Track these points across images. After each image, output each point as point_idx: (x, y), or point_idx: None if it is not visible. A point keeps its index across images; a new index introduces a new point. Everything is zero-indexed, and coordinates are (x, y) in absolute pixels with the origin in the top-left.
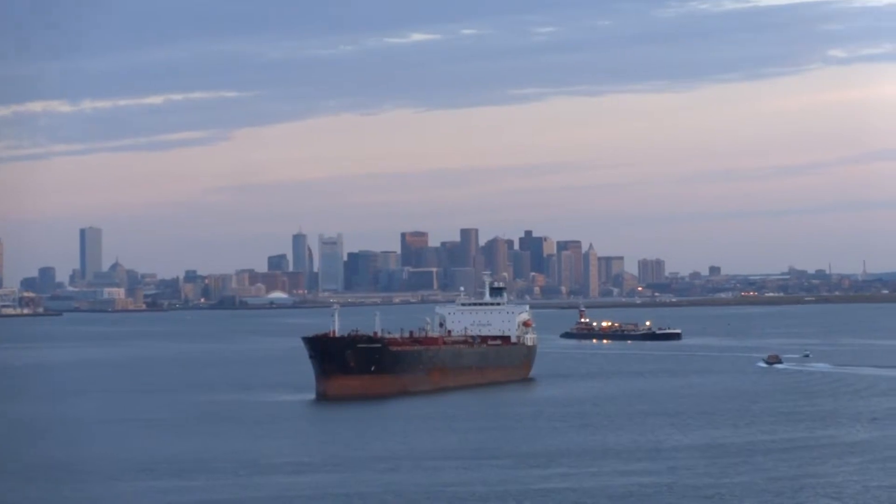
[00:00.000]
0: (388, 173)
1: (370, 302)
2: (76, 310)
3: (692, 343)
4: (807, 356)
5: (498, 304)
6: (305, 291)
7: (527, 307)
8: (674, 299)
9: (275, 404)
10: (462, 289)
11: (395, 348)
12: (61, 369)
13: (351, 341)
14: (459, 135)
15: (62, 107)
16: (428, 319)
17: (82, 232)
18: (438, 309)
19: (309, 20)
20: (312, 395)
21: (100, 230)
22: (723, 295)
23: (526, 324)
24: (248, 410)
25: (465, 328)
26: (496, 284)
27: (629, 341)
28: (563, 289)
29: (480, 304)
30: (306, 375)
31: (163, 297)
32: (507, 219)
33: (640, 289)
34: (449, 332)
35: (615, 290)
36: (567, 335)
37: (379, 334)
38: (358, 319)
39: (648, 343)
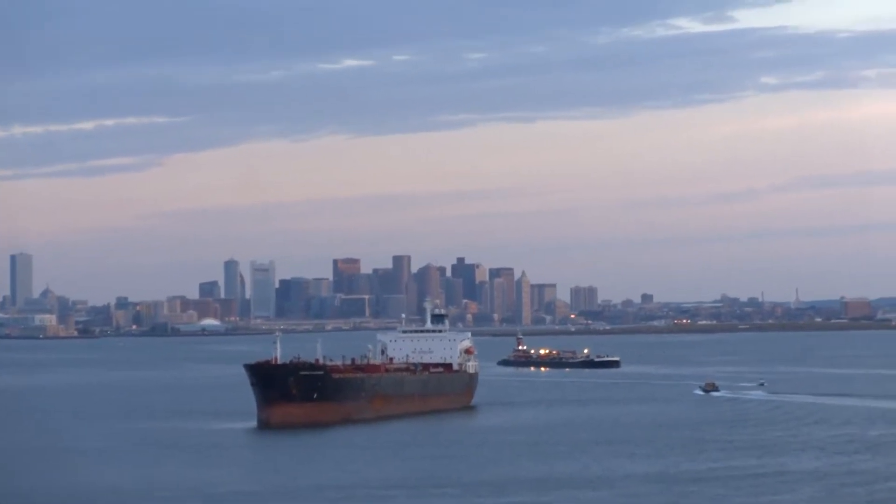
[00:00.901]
0: (320, 199)
1: (302, 329)
2: (7, 336)
3: (631, 371)
4: (762, 385)
5: (439, 331)
6: (237, 318)
7: (468, 334)
8: (608, 327)
9: (217, 432)
10: (403, 316)
11: (337, 376)
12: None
13: (293, 368)
14: (392, 161)
15: None
16: (370, 346)
17: (13, 258)
18: (380, 336)
19: (241, 45)
20: (254, 423)
21: (30, 256)
22: (656, 323)
23: (468, 351)
24: (190, 438)
25: (407, 355)
26: (437, 311)
27: (567, 369)
28: (496, 316)
29: (422, 332)
30: (247, 403)
31: (94, 324)
32: (440, 246)
33: (572, 316)
34: (391, 359)
35: (548, 318)
36: (505, 362)
37: (321, 361)
38: (295, 346)
39: (587, 371)
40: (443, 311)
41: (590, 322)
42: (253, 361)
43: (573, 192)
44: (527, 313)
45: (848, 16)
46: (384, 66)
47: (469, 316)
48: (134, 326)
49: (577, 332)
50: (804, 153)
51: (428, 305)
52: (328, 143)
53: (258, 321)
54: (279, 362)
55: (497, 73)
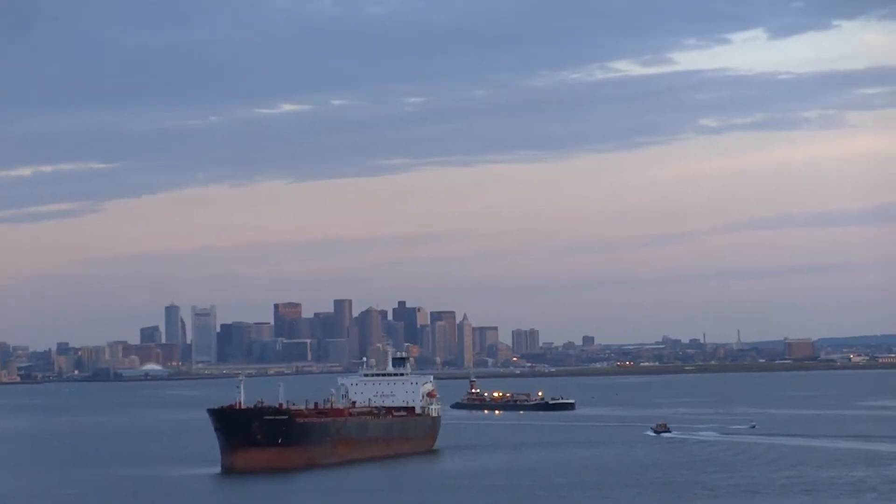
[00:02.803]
0: (259, 244)
1: (245, 373)
2: None
3: (586, 413)
4: (753, 427)
5: (402, 374)
6: (179, 363)
7: (431, 378)
8: (552, 369)
9: (180, 478)
10: (364, 359)
11: (301, 420)
12: None
13: (257, 413)
14: (331, 206)
15: None
16: (333, 390)
17: None
18: (341, 379)
19: (177, 91)
20: (218, 469)
21: None
22: (598, 365)
23: (430, 394)
24: (154, 485)
25: (369, 399)
26: (398, 355)
27: (522, 412)
28: (438, 359)
29: (384, 375)
30: (206, 447)
31: (36, 370)
32: (381, 289)
33: (515, 359)
34: (353, 402)
35: (490, 361)
36: (458, 405)
37: (284, 405)
38: (235, 391)
39: (541, 413)
40: (404, 355)
41: (534, 365)
42: (216, 406)
43: (513, 235)
44: (469, 356)
45: (787, 59)
46: (322, 110)
47: (411, 359)
48: (76, 372)
49: (523, 375)
50: (742, 195)
51: (389, 349)
52: (266, 188)
53: (200, 366)
54: (243, 407)
55: (436, 118)
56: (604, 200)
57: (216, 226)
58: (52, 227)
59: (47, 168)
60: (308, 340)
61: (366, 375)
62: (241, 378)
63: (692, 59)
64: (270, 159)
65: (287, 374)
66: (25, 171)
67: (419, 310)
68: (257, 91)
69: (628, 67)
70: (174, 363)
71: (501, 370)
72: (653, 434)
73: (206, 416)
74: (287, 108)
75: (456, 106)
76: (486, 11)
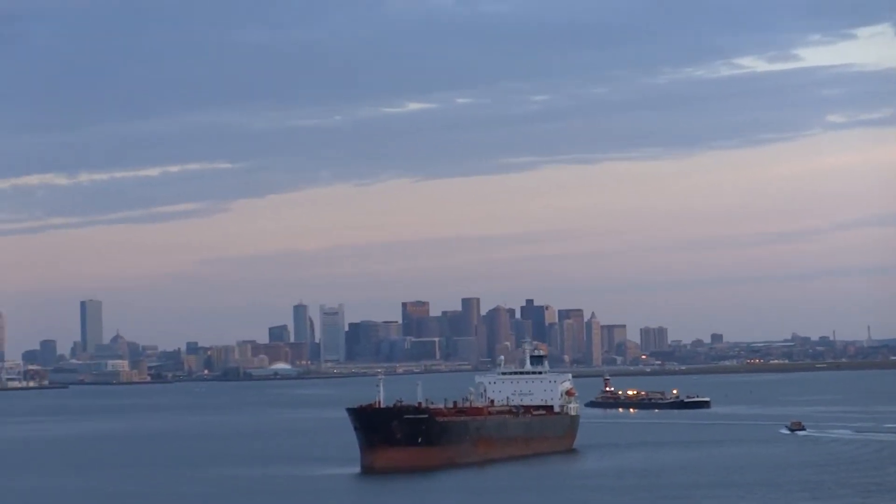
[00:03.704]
0: (386, 243)
1: (374, 372)
2: (80, 382)
3: (721, 411)
4: None
5: (539, 372)
6: (308, 362)
7: (569, 376)
8: (682, 367)
9: (321, 478)
10: (502, 357)
11: (441, 419)
12: (87, 442)
13: (397, 412)
14: (456, 204)
15: (59, 179)
16: (472, 389)
17: (83, 304)
18: (479, 378)
19: (304, 90)
20: (357, 468)
21: (100, 302)
22: (727, 363)
23: (569, 393)
24: (295, 485)
25: (507, 397)
26: (536, 353)
27: (657, 410)
28: (566, 357)
29: (522, 373)
30: (344, 447)
31: (166, 369)
32: (508, 287)
33: (643, 357)
34: (491, 401)
35: (618, 359)
36: (593, 404)
37: (423, 404)
38: (364, 390)
39: (676, 412)
40: (542, 353)
41: (663, 363)
42: (355, 405)
43: (638, 232)
44: (597, 354)
45: None
46: (447, 109)
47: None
48: (205, 371)
49: (653, 373)
50: (870, 191)
51: (527, 347)
52: (391, 186)
53: (329, 365)
54: (382, 406)
55: (560, 115)
56: (729, 197)
57: (342, 225)
58: (178, 227)
59: (174, 168)
60: (436, 339)
61: (503, 374)
62: (379, 377)
63: (817, 54)
64: (396, 158)
65: (416, 373)
66: (153, 172)
67: (547, 308)
68: (383, 90)
69: (753, 64)
70: (303, 362)
71: (631, 368)
72: (787, 432)
73: (340, 415)
74: (412, 106)
75: (579, 103)
76: (603, 8)
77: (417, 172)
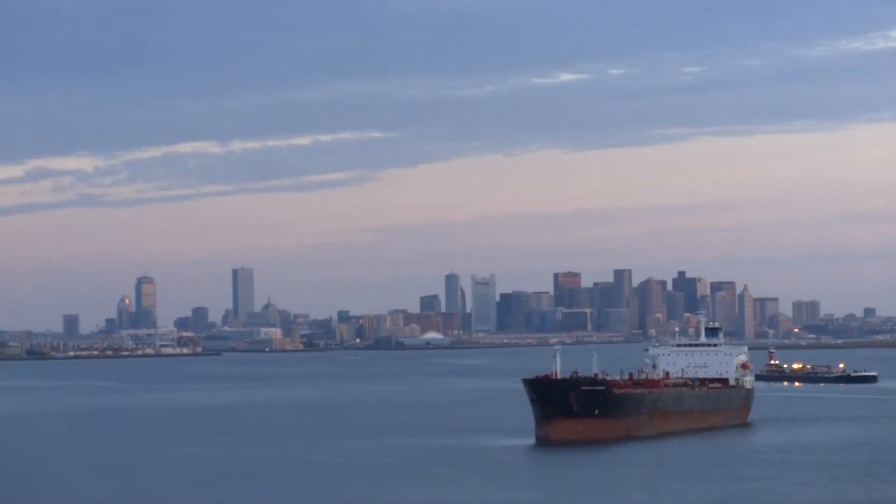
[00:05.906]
0: (536, 214)
1: (526, 343)
2: (233, 349)
3: (890, 386)
4: None
5: (714, 345)
6: (459, 332)
7: (745, 349)
8: (838, 341)
9: (496, 449)
10: (676, 330)
11: (618, 391)
12: (258, 410)
13: (574, 383)
14: (606, 175)
15: (212, 147)
16: (647, 361)
17: (234, 272)
18: (651, 349)
19: (454, 59)
20: (532, 440)
21: (251, 270)
22: (881, 337)
23: (744, 366)
24: (472, 455)
25: (682, 370)
26: (712, 325)
27: (822, 384)
28: None
29: (696, 346)
30: (516, 418)
31: (317, 338)
32: (659, 259)
33: (796, 330)
34: (667, 374)
35: (771, 332)
36: (758, 377)
37: (599, 376)
38: (524, 360)
39: (842, 386)
40: (717, 325)
41: (819, 336)
42: (531, 376)
43: (791, 205)
44: (749, 327)
45: None
46: (599, 80)
47: (691, 330)
48: (357, 340)
49: (809, 346)
50: None
51: (702, 318)
52: (541, 157)
53: (480, 335)
54: (559, 377)
55: (712, 87)
56: (881, 170)
57: (491, 195)
58: (329, 195)
59: (326, 137)
60: (588, 310)
61: (678, 346)
62: (557, 348)
63: None
64: (545, 128)
65: (567, 344)
66: (305, 141)
67: (699, 280)
68: (534, 60)
69: None
70: (454, 332)
71: (785, 342)
72: None
73: (502, 385)
74: (564, 77)
75: (731, 75)
76: None
77: (566, 143)
